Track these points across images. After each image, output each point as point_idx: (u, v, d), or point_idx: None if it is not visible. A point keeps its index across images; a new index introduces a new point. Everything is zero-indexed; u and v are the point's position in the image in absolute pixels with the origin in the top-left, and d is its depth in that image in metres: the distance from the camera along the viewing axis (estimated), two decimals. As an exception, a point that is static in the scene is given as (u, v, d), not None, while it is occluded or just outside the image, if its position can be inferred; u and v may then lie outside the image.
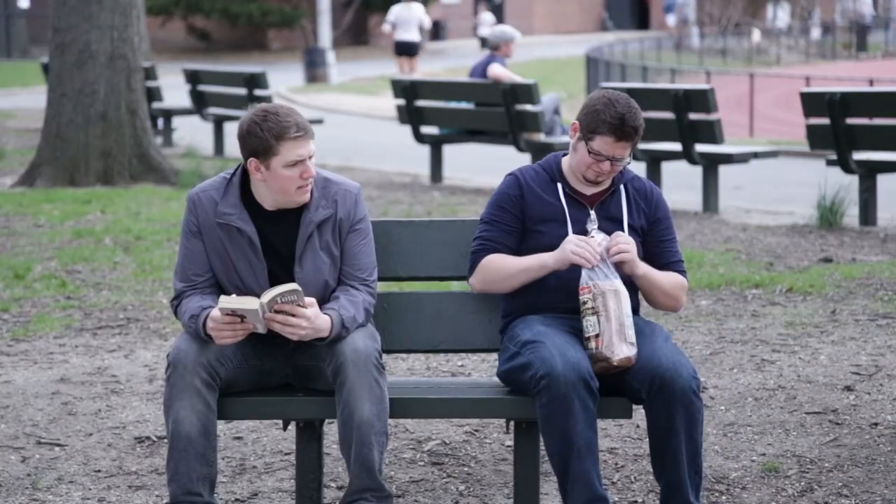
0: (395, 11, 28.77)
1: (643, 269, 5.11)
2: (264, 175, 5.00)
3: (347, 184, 5.15)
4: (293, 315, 4.89)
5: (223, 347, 4.98)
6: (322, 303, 5.05)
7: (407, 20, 28.32)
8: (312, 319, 4.91)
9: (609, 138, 5.05)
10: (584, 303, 4.96)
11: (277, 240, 5.07)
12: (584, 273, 5.00)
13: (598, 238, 5.04)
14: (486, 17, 49.87)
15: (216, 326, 4.91)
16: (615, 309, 4.94)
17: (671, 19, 66.59)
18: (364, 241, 5.16)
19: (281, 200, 5.06)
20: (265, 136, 4.94)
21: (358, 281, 5.14)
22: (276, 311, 4.87)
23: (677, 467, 4.92)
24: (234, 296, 4.92)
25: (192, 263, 5.10)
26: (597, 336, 4.94)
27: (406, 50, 28.39)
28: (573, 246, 5.00)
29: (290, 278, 5.03)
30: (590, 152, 5.09)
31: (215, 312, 4.91)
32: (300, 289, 4.87)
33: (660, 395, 4.89)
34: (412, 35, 28.28)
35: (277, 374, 5.18)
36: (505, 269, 5.15)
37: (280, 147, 4.94)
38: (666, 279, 5.19)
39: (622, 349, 4.92)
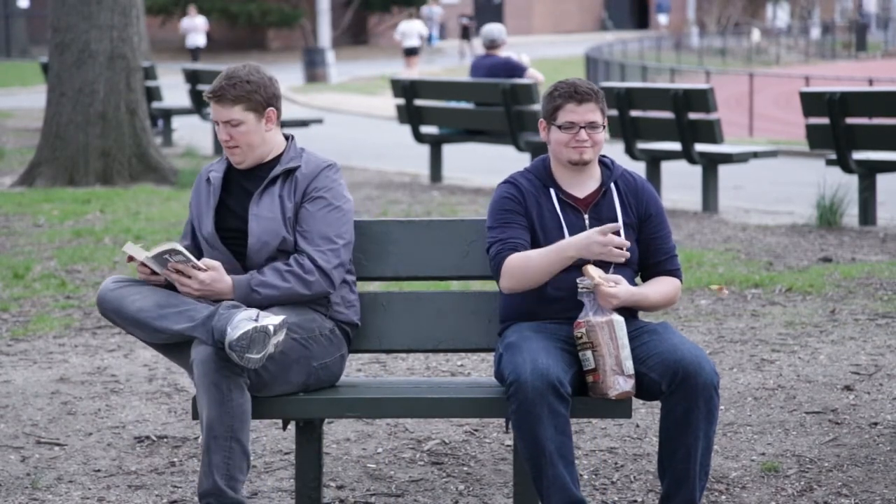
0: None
1: (630, 299, 5.05)
2: None
3: (320, 156, 5.34)
4: (187, 276, 5.01)
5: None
6: (274, 252, 5.10)
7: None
8: (206, 282, 5.00)
9: (570, 104, 5.09)
10: (579, 337, 4.95)
11: (248, 185, 5.20)
12: (584, 306, 4.97)
13: (619, 239, 4.99)
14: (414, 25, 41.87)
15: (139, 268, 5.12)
16: (609, 343, 4.90)
17: (664, 19, 66.70)
18: (323, 210, 5.16)
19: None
20: None
21: (307, 248, 5.08)
22: (175, 270, 5.04)
23: (688, 463, 4.89)
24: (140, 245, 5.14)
25: (185, 230, 5.39)
26: (594, 371, 4.94)
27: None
28: (599, 245, 4.97)
29: (245, 214, 5.14)
30: (560, 128, 5.10)
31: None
32: (180, 248, 5.00)
33: (682, 387, 4.86)
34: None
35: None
36: (530, 266, 5.05)
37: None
38: (655, 294, 5.15)
39: (618, 384, 4.91)
